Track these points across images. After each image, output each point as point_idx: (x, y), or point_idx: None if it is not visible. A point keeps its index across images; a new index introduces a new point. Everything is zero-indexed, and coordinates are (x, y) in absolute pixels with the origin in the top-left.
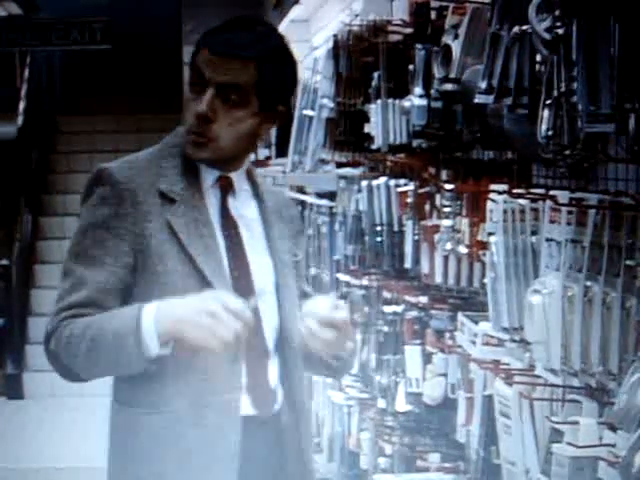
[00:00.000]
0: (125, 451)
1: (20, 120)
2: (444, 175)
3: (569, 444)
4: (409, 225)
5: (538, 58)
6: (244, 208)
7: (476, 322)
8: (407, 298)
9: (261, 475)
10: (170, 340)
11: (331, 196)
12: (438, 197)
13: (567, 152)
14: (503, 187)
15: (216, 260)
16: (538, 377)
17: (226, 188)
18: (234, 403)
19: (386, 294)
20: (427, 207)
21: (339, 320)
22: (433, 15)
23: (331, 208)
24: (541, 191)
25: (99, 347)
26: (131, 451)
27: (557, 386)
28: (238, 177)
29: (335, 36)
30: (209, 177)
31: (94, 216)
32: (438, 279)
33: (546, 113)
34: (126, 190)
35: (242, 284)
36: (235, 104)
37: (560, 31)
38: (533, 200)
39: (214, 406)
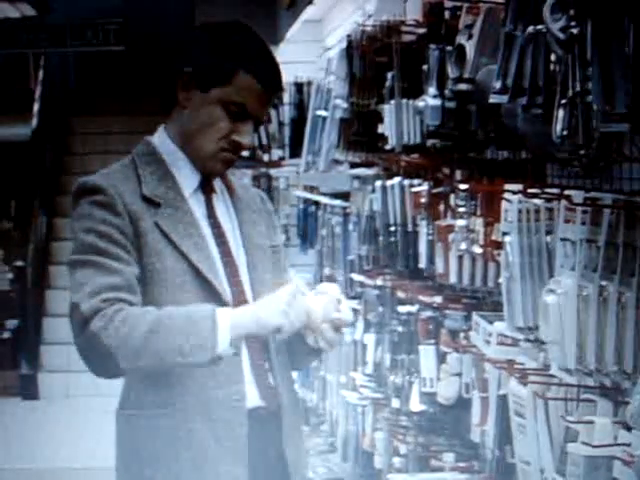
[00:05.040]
0: (137, 456)
1: (34, 122)
2: (458, 175)
3: (584, 443)
4: (423, 225)
5: (553, 58)
6: (219, 202)
7: (491, 322)
8: (421, 298)
9: (265, 464)
10: (240, 336)
11: (345, 196)
12: (452, 197)
13: (582, 152)
14: (518, 187)
15: (208, 257)
16: (553, 377)
17: (210, 190)
18: (240, 396)
19: (400, 294)
20: (441, 207)
21: (345, 322)
22: (447, 15)
23: (345, 208)
24: (556, 191)
25: (165, 329)
26: (144, 454)
27: (572, 385)
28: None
29: (349, 36)
30: (191, 181)
31: (93, 219)
32: (452, 279)
33: (561, 113)
34: (115, 194)
35: (234, 281)
36: None
37: (575, 31)
38: (548, 200)
39: (220, 400)
